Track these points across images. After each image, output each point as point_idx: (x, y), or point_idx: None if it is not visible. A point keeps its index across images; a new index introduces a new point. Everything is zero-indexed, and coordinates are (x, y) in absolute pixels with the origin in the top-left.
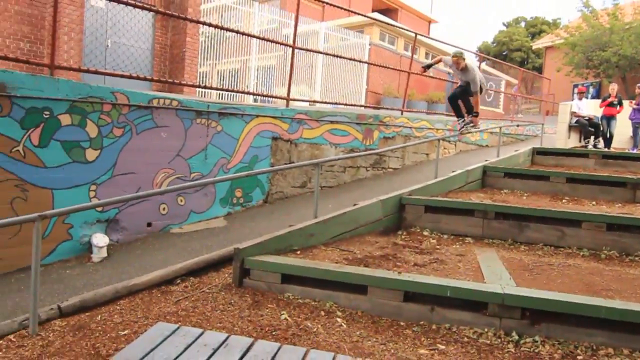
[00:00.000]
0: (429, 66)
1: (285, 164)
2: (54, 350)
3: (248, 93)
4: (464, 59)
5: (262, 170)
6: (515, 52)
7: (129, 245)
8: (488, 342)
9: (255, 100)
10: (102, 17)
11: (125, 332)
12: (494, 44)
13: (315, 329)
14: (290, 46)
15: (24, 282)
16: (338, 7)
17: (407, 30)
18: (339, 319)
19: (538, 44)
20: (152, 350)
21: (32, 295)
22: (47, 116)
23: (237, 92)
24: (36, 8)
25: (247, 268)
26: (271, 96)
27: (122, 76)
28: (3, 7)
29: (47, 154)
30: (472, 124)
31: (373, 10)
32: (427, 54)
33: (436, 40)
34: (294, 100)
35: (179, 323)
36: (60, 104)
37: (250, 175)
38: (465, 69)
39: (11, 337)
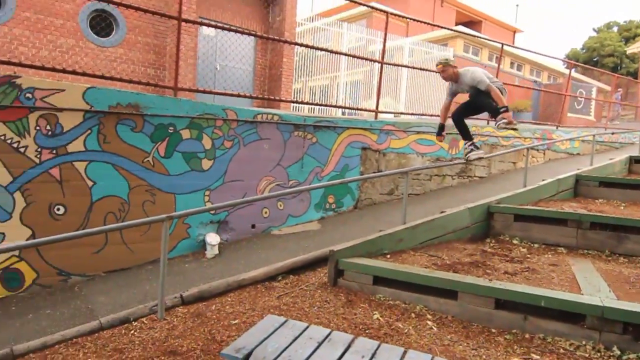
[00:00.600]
0: (441, 128)
1: (374, 172)
2: (178, 333)
3: (339, 107)
4: (452, 66)
5: (353, 179)
6: (607, 57)
7: (236, 244)
8: (586, 355)
9: (343, 113)
10: (212, 44)
11: (236, 321)
12: (584, 51)
13: (406, 330)
14: (378, 62)
15: (151, 273)
16: (422, 21)
17: (490, 40)
18: (429, 322)
19: (633, 48)
20: (265, 339)
21: (160, 286)
22: (172, 131)
23: (329, 106)
24: (159, 39)
25: (341, 269)
26: (360, 109)
27: (230, 95)
28: (134, 39)
29: (171, 164)
30: (504, 122)
31: (457, 24)
32: (512, 63)
33: (521, 49)
34: (381, 112)
35: (282, 316)
36: (182, 120)
37: (343, 182)
38: (458, 75)
39: (144, 319)
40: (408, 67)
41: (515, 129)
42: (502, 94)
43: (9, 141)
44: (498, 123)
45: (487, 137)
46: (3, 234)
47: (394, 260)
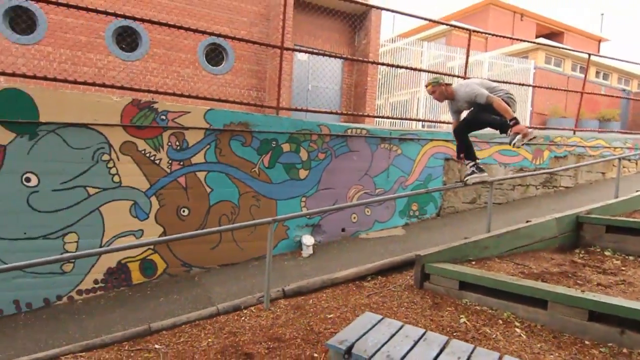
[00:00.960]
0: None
1: (456, 182)
2: (281, 322)
3: (419, 120)
4: (442, 84)
5: (437, 188)
6: None
7: (328, 245)
8: None
9: (423, 126)
10: (305, 67)
11: (331, 315)
12: None
13: (494, 336)
14: (461, 77)
15: (257, 268)
16: (501, 36)
17: (573, 50)
18: (517, 329)
19: None
20: (364, 334)
21: (267, 280)
22: (274, 145)
23: (410, 119)
24: (260, 66)
25: (427, 273)
26: (441, 122)
27: (322, 112)
28: (240, 67)
29: (273, 173)
30: (518, 135)
31: (537, 36)
32: (597, 73)
33: (607, 58)
34: None
35: (377, 314)
36: (283, 136)
37: (429, 192)
38: (453, 93)
39: (252, 308)
40: (488, 80)
41: (533, 140)
42: (510, 104)
43: (147, 155)
44: (513, 141)
45: (574, 147)
46: (142, 230)
47: (479, 267)
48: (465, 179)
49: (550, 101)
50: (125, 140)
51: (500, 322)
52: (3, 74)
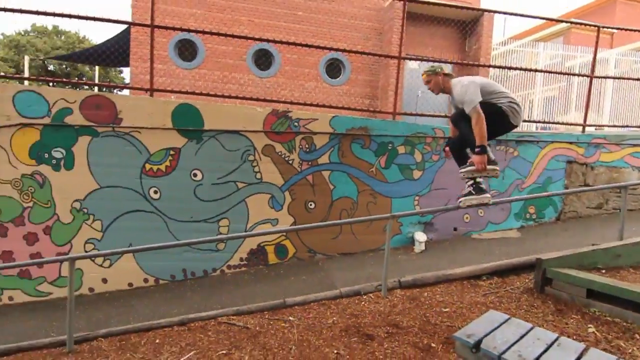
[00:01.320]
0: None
1: (580, 186)
2: (398, 310)
3: (540, 122)
4: (439, 74)
5: (558, 192)
6: None
7: (439, 243)
8: None
9: (536, 129)
10: (415, 75)
11: (447, 309)
12: None
13: (630, 350)
14: (587, 76)
15: (372, 259)
16: (629, 29)
17: None
18: None
19: None
20: (492, 331)
21: (384, 269)
22: (390, 147)
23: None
24: (374, 75)
25: (549, 277)
26: (564, 123)
27: (435, 116)
28: (355, 78)
29: (389, 173)
30: (473, 166)
31: None
32: None
33: None
34: (589, 125)
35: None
36: (399, 139)
37: (551, 195)
38: (450, 87)
39: (371, 295)
40: (614, 77)
41: (486, 176)
42: (510, 113)
43: (283, 156)
44: (462, 170)
45: None
46: (277, 219)
47: (610, 276)
48: (459, 200)
49: None
50: (266, 143)
51: (637, 336)
52: (173, 91)
